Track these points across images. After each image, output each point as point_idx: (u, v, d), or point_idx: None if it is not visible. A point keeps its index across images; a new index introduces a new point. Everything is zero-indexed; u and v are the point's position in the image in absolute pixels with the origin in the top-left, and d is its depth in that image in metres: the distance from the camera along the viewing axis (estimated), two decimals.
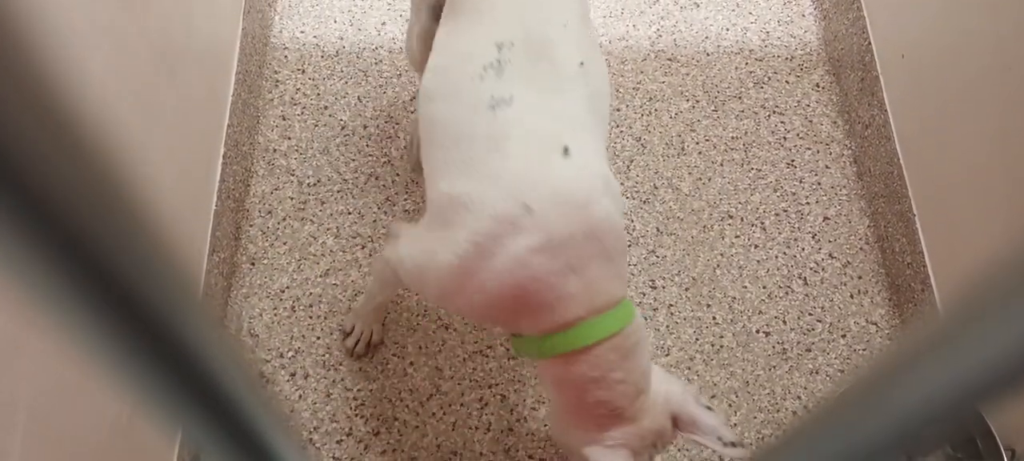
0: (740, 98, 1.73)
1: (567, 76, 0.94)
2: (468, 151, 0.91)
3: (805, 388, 1.43)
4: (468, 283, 0.89)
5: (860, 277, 1.55)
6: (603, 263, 0.89)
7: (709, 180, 1.62)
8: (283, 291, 1.48)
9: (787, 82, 1.76)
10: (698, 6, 1.85)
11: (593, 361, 0.88)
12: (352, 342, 1.40)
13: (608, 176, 0.94)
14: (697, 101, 1.72)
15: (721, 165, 1.64)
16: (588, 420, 0.90)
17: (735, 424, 1.39)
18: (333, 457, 1.34)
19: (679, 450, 1.37)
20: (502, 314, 0.92)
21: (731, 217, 1.59)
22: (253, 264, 1.50)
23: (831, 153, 1.68)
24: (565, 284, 0.86)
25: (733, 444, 0.88)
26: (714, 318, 1.48)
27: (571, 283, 0.86)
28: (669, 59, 1.76)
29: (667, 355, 1.44)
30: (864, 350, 1.48)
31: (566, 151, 0.90)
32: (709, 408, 0.93)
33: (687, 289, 1.51)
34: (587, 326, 0.87)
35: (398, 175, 1.60)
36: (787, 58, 1.79)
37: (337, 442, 1.35)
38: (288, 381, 1.39)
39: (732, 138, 1.68)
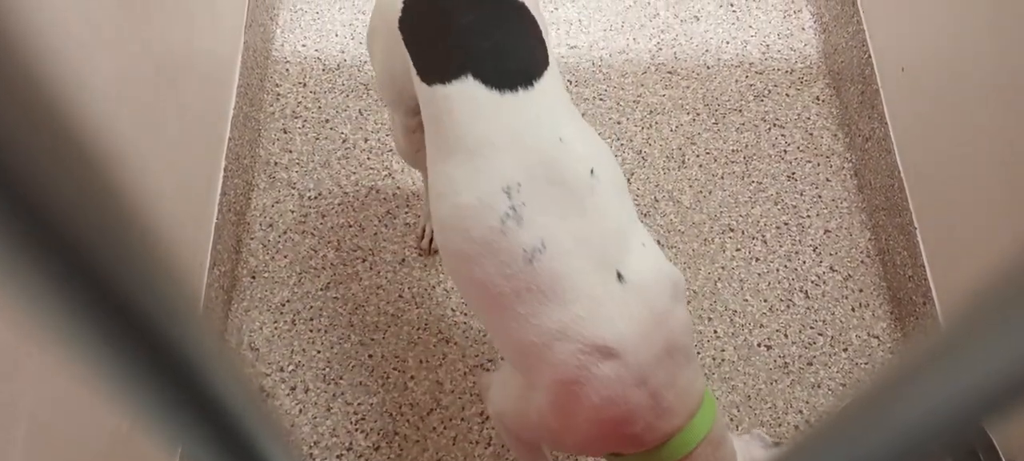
0: (740, 111, 1.73)
1: (583, 191, 0.89)
2: (525, 307, 0.87)
3: (807, 402, 1.43)
4: (571, 422, 0.89)
5: (861, 290, 1.54)
6: (687, 365, 0.90)
7: (710, 193, 1.63)
8: (284, 304, 1.47)
9: (787, 95, 1.76)
10: (698, 19, 1.85)
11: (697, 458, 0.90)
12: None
13: (664, 269, 0.93)
14: (697, 114, 1.72)
15: (722, 178, 1.64)
16: None
17: None
18: None
19: None
20: (609, 445, 0.92)
21: (732, 230, 1.59)
22: (254, 277, 1.50)
23: (831, 166, 1.68)
24: (661, 402, 0.87)
25: None
26: (715, 331, 1.48)
27: (667, 398, 0.87)
28: (669, 72, 1.77)
29: None
30: (866, 364, 1.47)
31: (620, 277, 0.87)
32: (777, 444, 0.97)
33: (688, 302, 1.51)
34: (687, 432, 0.89)
35: (399, 188, 1.60)
36: (787, 71, 1.79)
37: (337, 457, 1.35)
38: (288, 395, 1.39)
39: (733, 151, 1.68)
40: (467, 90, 0.91)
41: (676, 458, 0.89)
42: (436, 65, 0.95)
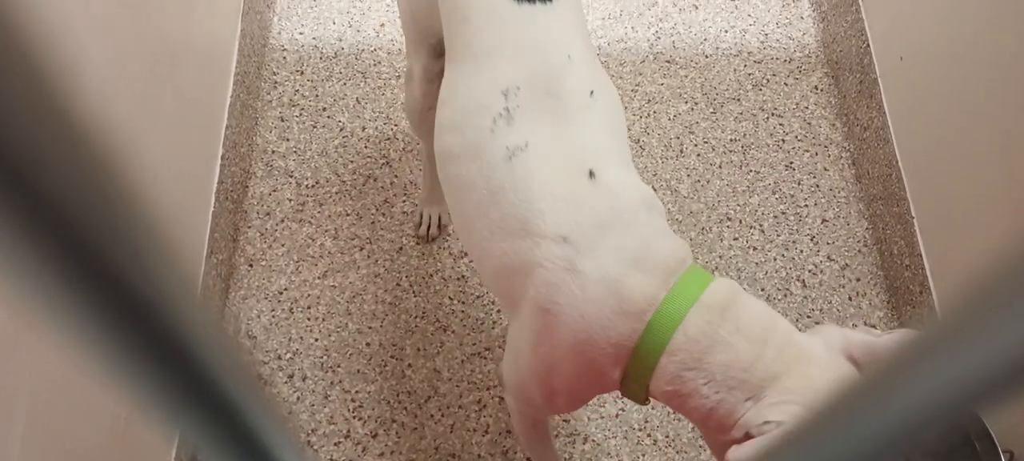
0: (739, 100, 1.73)
1: (578, 108, 0.91)
2: (498, 211, 0.88)
3: None
4: (553, 356, 0.87)
5: (858, 279, 1.55)
6: (660, 235, 0.87)
7: (707, 182, 1.63)
8: (281, 293, 1.47)
9: (786, 84, 1.76)
10: (697, 8, 1.85)
11: (692, 333, 0.80)
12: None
13: (640, 187, 0.91)
14: (696, 103, 1.72)
15: (719, 167, 1.64)
16: (732, 404, 0.78)
17: None
18: (331, 459, 1.34)
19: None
20: (595, 374, 0.87)
21: (730, 219, 1.59)
22: (251, 266, 1.50)
23: (830, 155, 1.68)
24: (625, 299, 0.82)
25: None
26: None
27: (634, 297, 0.81)
28: (668, 61, 1.77)
29: None
30: None
31: (591, 174, 0.87)
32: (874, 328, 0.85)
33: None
34: (667, 301, 0.81)
35: (396, 177, 1.60)
36: (786, 60, 1.79)
37: (335, 444, 1.35)
38: (286, 383, 1.39)
39: (731, 140, 1.68)
40: None
41: (667, 338, 0.80)
42: None
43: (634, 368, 0.84)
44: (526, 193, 0.87)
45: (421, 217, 1.52)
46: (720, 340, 0.80)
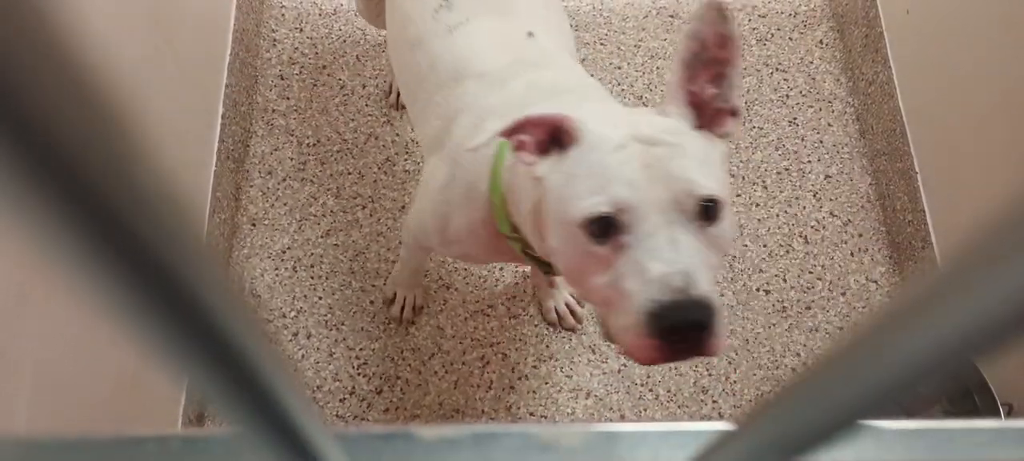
0: (743, 55, 1.71)
1: (520, 4, 0.98)
2: (438, 74, 0.95)
3: (805, 345, 1.45)
4: (452, 203, 0.90)
5: (861, 235, 1.55)
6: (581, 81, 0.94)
7: None
8: (284, 251, 1.48)
9: (790, 39, 1.74)
10: None
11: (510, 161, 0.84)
12: (397, 310, 1.40)
13: (581, 72, 0.96)
14: None
15: None
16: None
17: (735, 381, 1.41)
18: (336, 415, 1.36)
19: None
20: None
21: (732, 176, 1.58)
22: (254, 225, 1.50)
23: (834, 111, 1.67)
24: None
25: None
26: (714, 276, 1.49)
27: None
28: (671, 16, 1.75)
29: None
30: (864, 308, 1.49)
31: (530, 34, 0.94)
32: None
33: None
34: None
35: (398, 135, 1.59)
36: (791, 15, 1.77)
37: (340, 400, 1.37)
38: (291, 341, 1.41)
39: None
40: None
41: (502, 163, 0.85)
42: None
43: (496, 211, 0.85)
44: (463, 50, 0.93)
45: (390, 86, 1.56)
46: None
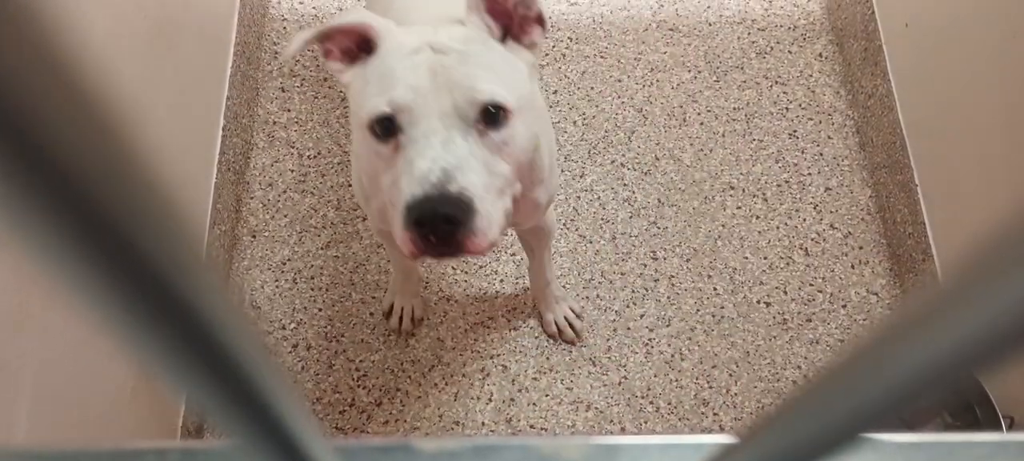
0: (742, 68, 1.72)
1: None
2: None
3: (805, 358, 1.44)
4: (361, 160, 0.89)
5: (861, 247, 1.55)
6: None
7: (711, 151, 1.62)
8: (284, 263, 1.48)
9: (790, 52, 1.75)
10: None
11: None
12: (396, 321, 1.39)
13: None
14: (699, 71, 1.71)
15: (723, 136, 1.64)
16: None
17: (736, 393, 1.40)
18: (335, 427, 1.35)
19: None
20: None
21: (733, 188, 1.58)
22: (254, 236, 1.50)
23: (833, 123, 1.67)
24: None
25: None
26: (715, 289, 1.49)
27: None
28: (671, 29, 1.75)
29: (668, 326, 1.45)
30: (864, 320, 1.48)
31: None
32: None
33: (688, 260, 1.51)
34: None
35: None
36: (790, 27, 1.77)
37: (339, 412, 1.36)
38: (290, 352, 1.40)
39: (734, 109, 1.67)
40: None
41: None
42: None
43: None
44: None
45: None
46: None
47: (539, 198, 0.95)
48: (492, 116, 0.71)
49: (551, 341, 1.42)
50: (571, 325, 1.40)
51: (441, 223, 0.67)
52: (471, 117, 0.70)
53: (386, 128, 0.71)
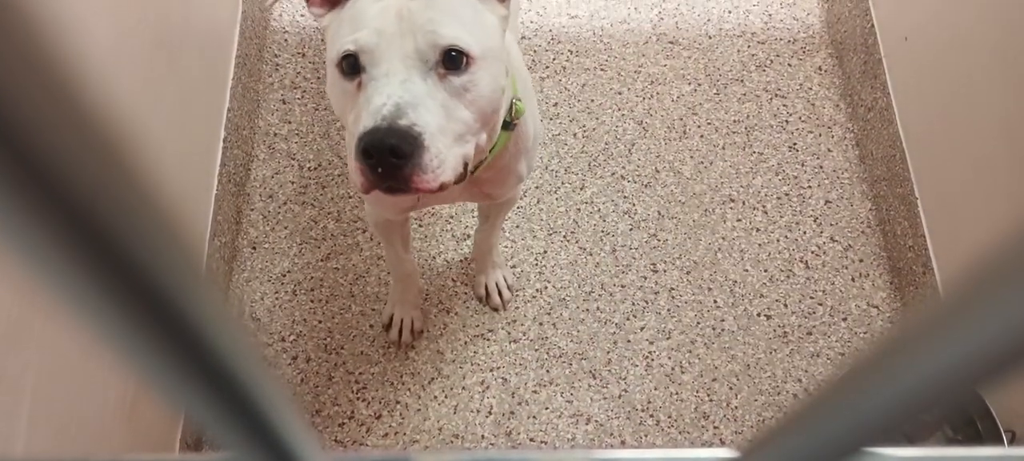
0: (742, 81, 1.72)
1: None
2: None
3: (806, 371, 1.44)
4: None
5: (861, 260, 1.55)
6: None
7: (711, 164, 1.62)
8: (284, 275, 1.48)
9: (789, 65, 1.75)
10: None
11: None
12: (395, 333, 1.39)
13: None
14: (699, 84, 1.71)
15: (723, 149, 1.64)
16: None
17: (736, 407, 1.40)
18: (335, 440, 1.35)
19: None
20: None
21: (733, 201, 1.58)
22: (254, 248, 1.50)
23: (833, 136, 1.67)
24: None
25: None
26: (715, 301, 1.49)
27: None
28: (671, 42, 1.76)
29: (668, 338, 1.45)
30: (865, 333, 1.48)
31: None
32: None
33: (688, 273, 1.51)
34: None
35: None
36: (789, 41, 1.78)
37: (339, 425, 1.36)
38: (289, 365, 1.40)
39: (734, 122, 1.67)
40: None
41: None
42: None
43: None
44: None
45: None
46: None
47: (520, 170, 0.99)
48: (454, 60, 0.73)
49: (551, 354, 1.42)
50: (500, 293, 1.42)
51: (388, 155, 0.69)
52: (432, 60, 0.73)
53: (351, 66, 0.74)
